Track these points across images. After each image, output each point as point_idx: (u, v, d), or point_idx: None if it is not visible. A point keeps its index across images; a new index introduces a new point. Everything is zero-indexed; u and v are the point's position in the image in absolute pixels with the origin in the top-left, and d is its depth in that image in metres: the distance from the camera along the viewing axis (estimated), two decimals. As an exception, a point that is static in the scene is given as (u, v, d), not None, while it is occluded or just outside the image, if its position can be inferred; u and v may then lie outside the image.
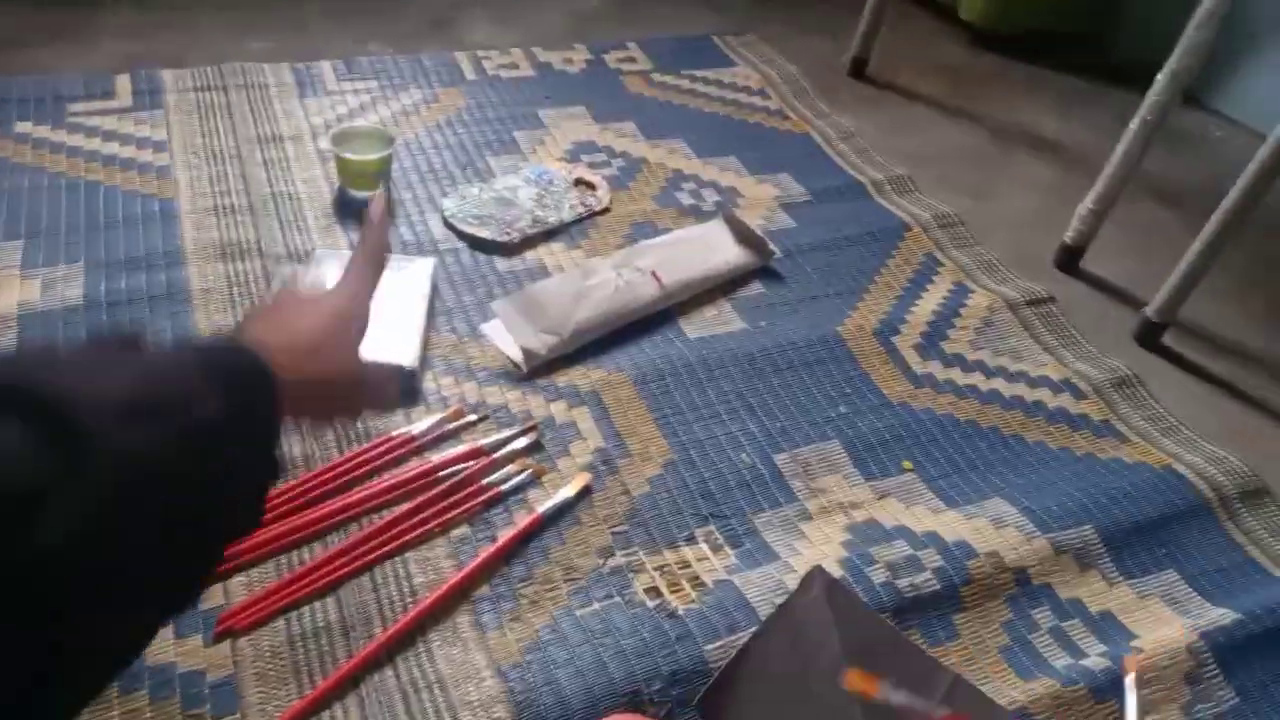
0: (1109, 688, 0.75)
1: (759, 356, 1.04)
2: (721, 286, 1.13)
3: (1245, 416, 1.06)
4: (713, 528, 0.85)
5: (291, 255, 1.07)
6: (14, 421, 0.29)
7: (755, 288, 1.14)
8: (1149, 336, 1.13)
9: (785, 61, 1.61)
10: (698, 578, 0.80)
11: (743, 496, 0.88)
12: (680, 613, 0.76)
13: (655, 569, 0.80)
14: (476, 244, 1.13)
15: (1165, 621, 0.82)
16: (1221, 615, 0.82)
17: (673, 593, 0.79)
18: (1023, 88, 1.67)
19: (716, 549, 0.83)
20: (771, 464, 0.92)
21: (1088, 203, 1.21)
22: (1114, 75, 1.69)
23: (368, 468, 0.84)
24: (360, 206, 1.16)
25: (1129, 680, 0.71)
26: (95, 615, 0.31)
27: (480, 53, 1.52)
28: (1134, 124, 1.15)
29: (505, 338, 0.99)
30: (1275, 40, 1.55)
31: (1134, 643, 0.79)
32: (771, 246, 1.17)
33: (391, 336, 0.95)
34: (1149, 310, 1.13)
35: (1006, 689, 0.75)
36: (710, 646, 0.74)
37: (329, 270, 1.02)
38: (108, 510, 0.29)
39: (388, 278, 1.00)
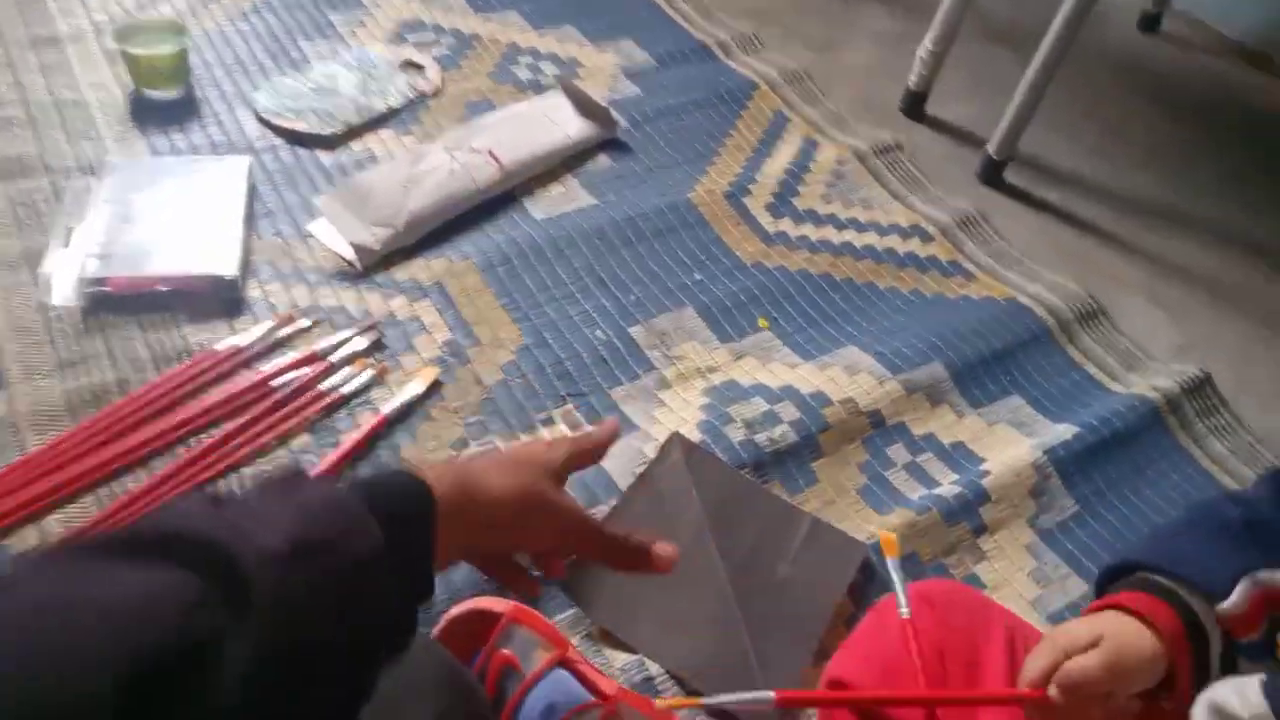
0: (959, 510, 0.78)
1: (609, 230, 1.00)
2: (566, 162, 1.08)
3: (1080, 242, 1.10)
4: (571, 407, 0.83)
5: (83, 168, 0.96)
6: (180, 570, 0.31)
7: (602, 161, 1.10)
8: (991, 174, 1.15)
9: (621, -79, 1.52)
10: (557, 458, 0.78)
11: (600, 373, 0.86)
12: (539, 494, 0.75)
13: (513, 454, 0.78)
14: (296, 139, 1.04)
15: (1012, 443, 0.85)
16: (1063, 431, 0.86)
17: (531, 475, 0.77)
18: (865, -65, 1.63)
19: (575, 427, 0.82)
20: (627, 337, 0.90)
21: (926, 44, 1.20)
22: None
23: (191, 385, 0.78)
24: (159, 107, 1.04)
25: (891, 562, 0.68)
26: None
27: (284, -70, 1.37)
28: (966, -43, 1.13)
29: (335, 235, 0.92)
30: None
31: (982, 465, 0.83)
32: (616, 116, 1.12)
33: (207, 245, 0.87)
34: (989, 148, 1.14)
35: (864, 524, 0.77)
36: (572, 523, 0.73)
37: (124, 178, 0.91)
38: (271, 658, 0.31)
39: (194, 182, 0.91)
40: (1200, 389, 0.91)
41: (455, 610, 0.60)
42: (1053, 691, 0.47)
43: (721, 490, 0.75)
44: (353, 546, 0.36)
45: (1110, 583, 0.54)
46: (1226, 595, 0.49)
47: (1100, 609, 0.51)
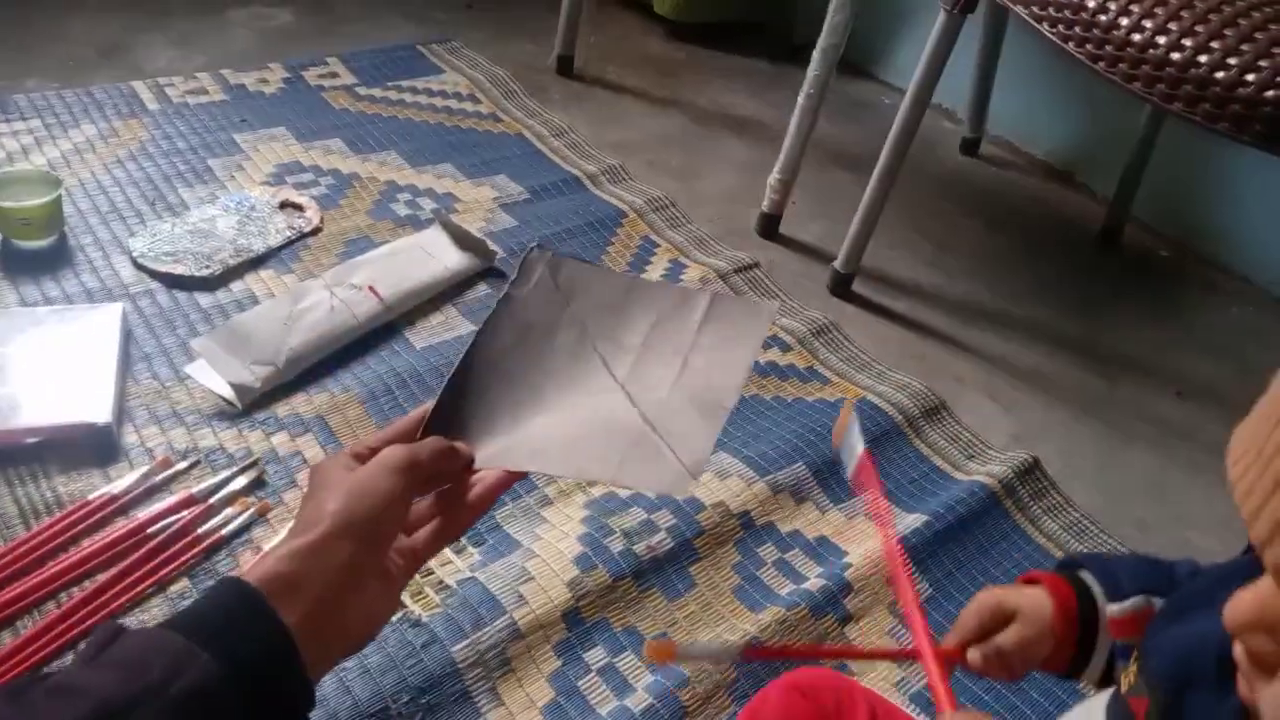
0: (825, 603, 0.84)
1: (488, 356, 1.05)
2: (445, 293, 1.13)
3: (922, 344, 1.21)
4: (455, 531, 0.86)
5: (-52, 321, 0.95)
6: None
7: (481, 290, 1.16)
8: (840, 287, 1.26)
9: (492, 65, 1.63)
10: (442, 582, 0.80)
11: (483, 495, 0.89)
12: (424, 620, 0.76)
13: (397, 582, 0.80)
14: (173, 282, 1.06)
15: (870, 535, 0.92)
16: (914, 520, 0.93)
17: (416, 601, 0.78)
18: (718, 74, 1.79)
19: (459, 551, 0.84)
20: (509, 458, 0.94)
21: (775, 173, 1.32)
22: (794, 57, 1.85)
23: (64, 537, 0.77)
24: (30, 257, 1.05)
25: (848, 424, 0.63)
26: None
27: (162, 80, 1.42)
28: (800, 99, 1.27)
29: (213, 376, 0.94)
30: (920, 14, 1.76)
31: (845, 559, 0.89)
32: (493, 247, 1.18)
33: (79, 393, 0.88)
34: (837, 264, 1.26)
35: (740, 624, 0.82)
36: (457, 647, 0.75)
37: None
38: None
39: (66, 331, 0.91)
40: (1030, 473, 1.01)
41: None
42: (974, 655, 0.54)
43: (601, 297, 0.63)
44: (179, 683, 0.34)
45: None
46: (1121, 600, 0.55)
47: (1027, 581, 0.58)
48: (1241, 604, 0.36)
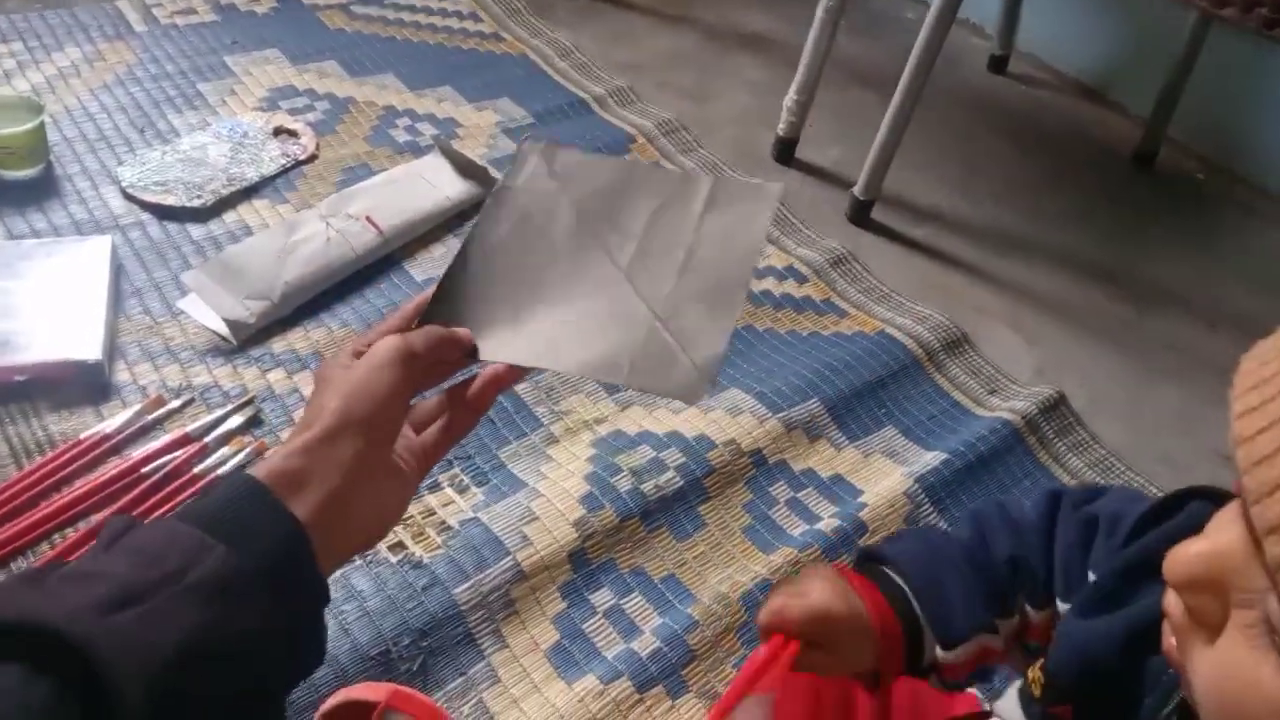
0: (839, 544, 0.81)
1: (492, 289, 1.01)
2: (446, 223, 1.09)
3: (944, 274, 1.16)
4: (457, 470, 0.83)
5: (-68, 255, 0.92)
6: (15, 669, 0.30)
7: (483, 219, 1.11)
8: (859, 214, 1.21)
9: (494, -20, 1.55)
10: (444, 523, 0.78)
11: (487, 433, 0.87)
12: (425, 561, 0.75)
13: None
14: (164, 213, 1.02)
15: (886, 474, 0.89)
16: (933, 458, 0.90)
17: (417, 542, 0.76)
18: (733, -12, 1.70)
19: (463, 491, 0.82)
20: (514, 395, 0.91)
21: (792, 94, 1.25)
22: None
23: (56, 478, 0.75)
24: (16, 188, 1.01)
25: None
26: None
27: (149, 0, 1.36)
28: (819, 13, 1.20)
29: (206, 311, 0.90)
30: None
31: (860, 498, 0.86)
32: (495, 174, 1.13)
33: (68, 329, 0.85)
34: (856, 190, 1.20)
35: (751, 565, 0.79)
36: (459, 589, 0.73)
37: None
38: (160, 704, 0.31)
39: (54, 265, 0.88)
40: (1055, 408, 0.97)
41: (327, 704, 0.59)
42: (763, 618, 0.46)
43: (598, 183, 0.61)
44: (193, 572, 0.35)
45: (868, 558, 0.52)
46: (954, 647, 0.48)
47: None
48: (1188, 557, 0.31)
